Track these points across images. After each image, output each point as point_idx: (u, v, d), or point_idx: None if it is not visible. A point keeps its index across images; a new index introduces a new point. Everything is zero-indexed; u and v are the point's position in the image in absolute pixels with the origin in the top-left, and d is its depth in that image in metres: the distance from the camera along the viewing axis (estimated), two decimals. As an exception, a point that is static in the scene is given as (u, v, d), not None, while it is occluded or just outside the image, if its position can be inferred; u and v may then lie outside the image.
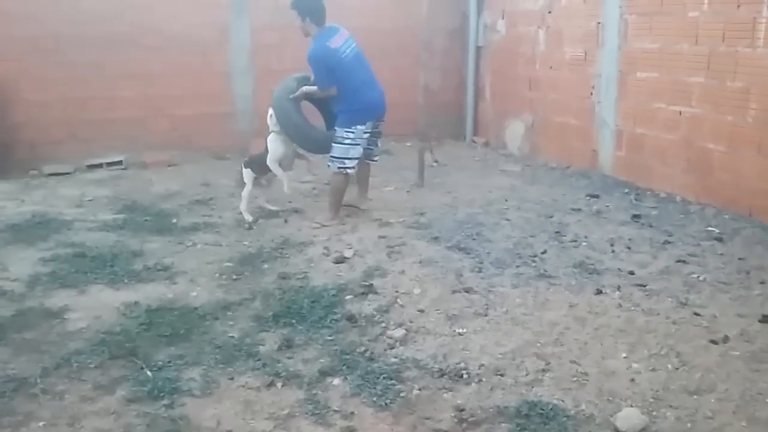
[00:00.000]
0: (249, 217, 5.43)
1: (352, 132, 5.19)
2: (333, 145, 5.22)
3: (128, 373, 3.13)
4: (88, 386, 3.04)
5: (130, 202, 6.05)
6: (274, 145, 5.37)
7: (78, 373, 3.14)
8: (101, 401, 2.93)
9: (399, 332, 3.51)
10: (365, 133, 5.27)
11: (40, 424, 2.77)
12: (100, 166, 7.41)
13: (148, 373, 3.12)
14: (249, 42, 8.00)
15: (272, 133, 5.40)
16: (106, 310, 3.80)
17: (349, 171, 5.32)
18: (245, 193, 5.49)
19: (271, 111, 5.35)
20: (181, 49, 7.73)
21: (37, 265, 4.48)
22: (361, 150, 5.32)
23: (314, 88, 5.22)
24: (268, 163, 5.38)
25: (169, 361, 3.23)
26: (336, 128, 5.24)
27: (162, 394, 2.94)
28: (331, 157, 5.26)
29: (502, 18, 8.31)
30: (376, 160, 5.77)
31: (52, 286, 4.15)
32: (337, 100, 5.22)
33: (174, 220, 5.51)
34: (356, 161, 5.34)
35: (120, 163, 7.48)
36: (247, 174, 5.51)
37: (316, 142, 5.43)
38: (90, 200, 6.16)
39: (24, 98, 7.30)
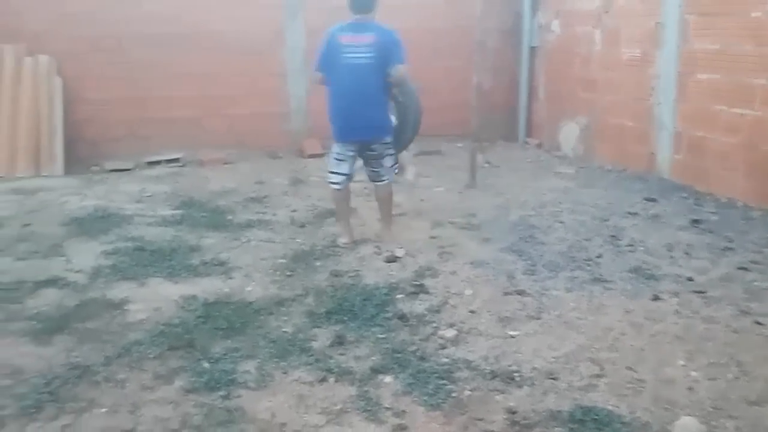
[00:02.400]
0: None
1: (336, 146, 4.82)
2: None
3: (186, 364, 3.22)
4: (148, 375, 3.13)
5: (188, 199, 6.19)
6: None
7: (138, 363, 3.24)
8: (160, 390, 3.02)
9: (450, 332, 3.51)
10: (349, 152, 4.78)
11: (102, 410, 2.87)
12: (158, 163, 7.62)
13: (206, 364, 3.20)
14: (304, 43, 8.09)
15: None
16: (165, 303, 3.91)
17: (333, 186, 4.87)
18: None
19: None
20: (238, 50, 7.88)
21: (99, 258, 4.63)
22: (348, 168, 4.81)
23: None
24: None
25: (225, 354, 3.30)
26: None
27: (218, 386, 3.01)
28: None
29: (557, 18, 8.21)
30: (383, 181, 4.92)
31: (113, 278, 4.29)
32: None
33: (229, 217, 5.63)
34: (344, 178, 4.83)
35: (178, 160, 7.68)
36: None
37: None
38: (149, 196, 6.34)
39: (87, 97, 7.57)
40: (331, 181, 4.87)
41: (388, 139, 4.85)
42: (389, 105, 4.98)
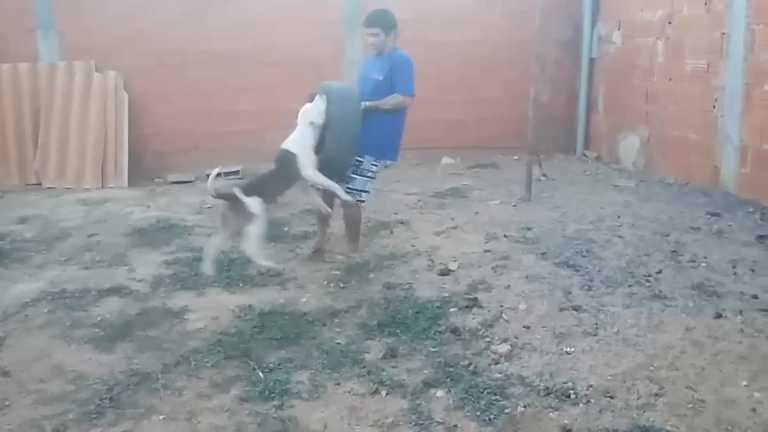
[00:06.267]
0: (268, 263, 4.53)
1: (378, 165, 4.82)
2: (354, 176, 4.74)
3: (242, 373, 3.28)
4: (205, 384, 3.21)
5: (246, 211, 6.31)
6: (310, 143, 4.46)
7: (196, 371, 3.32)
8: (216, 399, 3.08)
9: (504, 347, 3.47)
10: None
11: (160, 417, 2.95)
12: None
13: (260, 374, 3.26)
14: (360, 56, 8.18)
15: (308, 127, 4.45)
16: (223, 312, 4.00)
17: (363, 204, 4.91)
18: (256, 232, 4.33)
19: (323, 100, 4.47)
20: (298, 64, 8.02)
21: (160, 267, 4.78)
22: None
23: (380, 102, 4.66)
24: (305, 172, 4.41)
25: (280, 364, 3.36)
26: (366, 156, 4.71)
27: (272, 395, 3.06)
28: (352, 188, 4.76)
29: (618, 29, 8.07)
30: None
31: (173, 288, 4.41)
32: (385, 122, 4.72)
33: (285, 228, 5.72)
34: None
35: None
36: (256, 204, 4.32)
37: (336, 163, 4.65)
38: (209, 207, 6.47)
39: (152, 111, 7.84)
40: (365, 199, 4.89)
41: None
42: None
